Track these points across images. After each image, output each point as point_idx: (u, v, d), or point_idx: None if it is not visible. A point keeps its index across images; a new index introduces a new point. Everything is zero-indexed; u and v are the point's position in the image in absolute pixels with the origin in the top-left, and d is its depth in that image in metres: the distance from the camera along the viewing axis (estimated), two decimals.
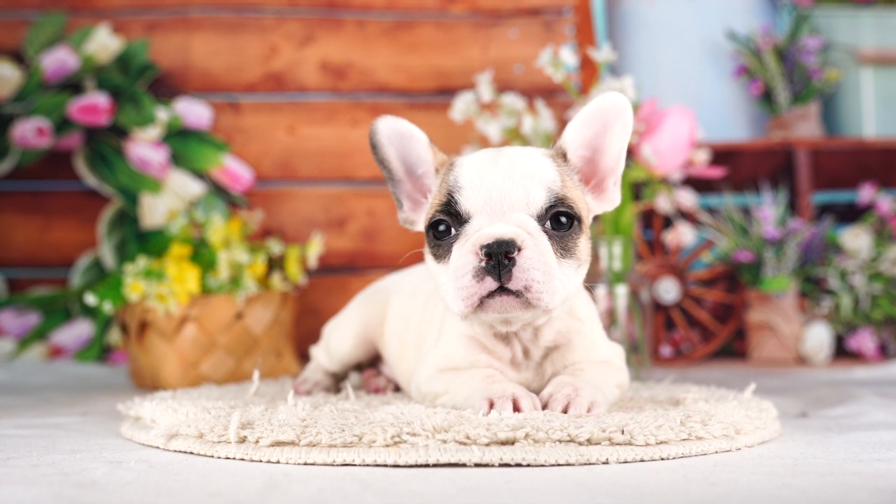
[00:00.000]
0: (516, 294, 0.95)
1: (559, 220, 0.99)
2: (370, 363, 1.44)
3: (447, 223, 1.00)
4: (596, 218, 2.17)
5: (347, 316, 1.41)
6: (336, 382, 1.43)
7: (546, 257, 0.96)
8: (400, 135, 1.07)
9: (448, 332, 1.11)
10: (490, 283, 0.94)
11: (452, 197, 0.99)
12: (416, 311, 1.27)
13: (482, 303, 0.95)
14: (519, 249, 0.94)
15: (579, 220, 1.01)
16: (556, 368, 1.09)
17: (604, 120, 1.06)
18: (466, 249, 0.96)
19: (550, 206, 0.99)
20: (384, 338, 1.36)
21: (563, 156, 1.06)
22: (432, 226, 1.00)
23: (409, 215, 1.10)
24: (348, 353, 1.38)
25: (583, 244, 1.03)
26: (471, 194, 0.99)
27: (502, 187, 0.98)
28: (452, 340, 1.10)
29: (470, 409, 0.99)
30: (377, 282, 1.47)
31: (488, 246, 0.94)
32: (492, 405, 0.97)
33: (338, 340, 1.40)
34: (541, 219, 0.99)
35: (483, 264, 0.94)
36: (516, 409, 0.97)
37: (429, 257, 1.04)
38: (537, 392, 1.07)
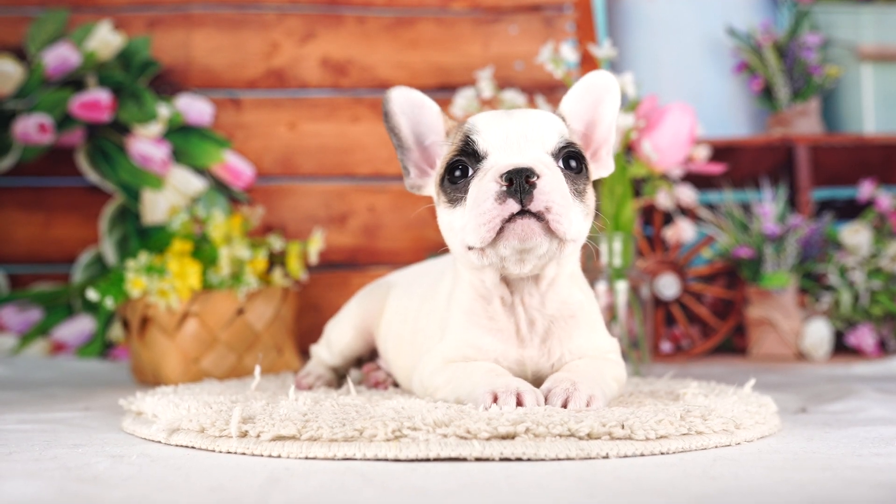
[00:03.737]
0: (537, 216, 0.96)
1: (570, 163, 1.04)
2: (370, 357, 1.45)
3: (464, 164, 1.02)
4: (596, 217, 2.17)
5: (347, 310, 1.43)
6: (338, 377, 1.44)
7: (563, 186, 0.99)
8: (412, 104, 1.10)
9: (454, 314, 1.11)
10: (512, 205, 0.96)
11: (469, 138, 1.02)
12: (414, 307, 1.27)
13: (503, 229, 0.97)
14: (538, 176, 0.97)
15: (587, 167, 1.06)
16: (563, 350, 1.10)
17: (595, 95, 1.12)
18: (487, 179, 0.98)
19: (563, 146, 1.03)
20: (381, 333, 1.37)
21: (564, 120, 1.10)
22: (448, 170, 1.02)
23: (416, 181, 1.13)
24: (348, 345, 1.40)
25: (590, 193, 1.07)
26: (487, 135, 1.02)
27: (518, 128, 1.02)
28: (458, 322, 1.11)
29: (472, 403, 1.00)
30: (379, 279, 1.48)
31: (509, 172, 0.96)
32: (495, 399, 0.97)
33: (338, 334, 1.41)
34: (554, 156, 1.03)
35: (504, 189, 0.96)
36: (519, 403, 0.97)
37: (443, 209, 1.05)
38: (543, 374, 1.09)
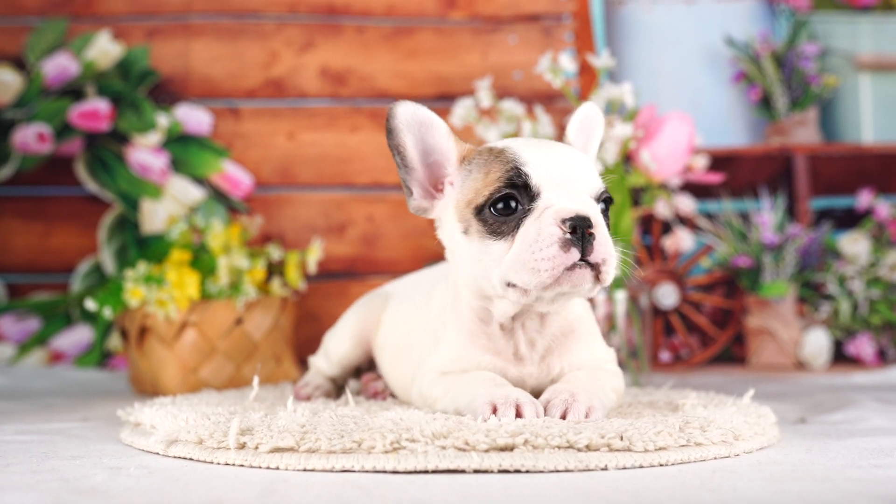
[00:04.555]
0: (592, 267, 0.97)
1: (603, 206, 1.05)
2: (369, 367, 1.44)
3: (514, 198, 0.99)
4: None
5: (345, 320, 1.43)
6: (336, 387, 1.44)
7: (608, 234, 1.01)
8: (419, 122, 1.06)
9: (450, 332, 1.11)
10: (575, 255, 0.96)
11: (521, 170, 0.99)
12: (409, 318, 1.27)
13: (560, 274, 0.97)
14: (594, 226, 0.98)
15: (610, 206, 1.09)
16: (563, 364, 1.11)
17: (589, 128, 1.15)
18: (548, 222, 0.97)
19: (603, 191, 1.04)
20: (377, 343, 1.37)
21: None
22: (494, 202, 1.00)
23: (421, 202, 1.08)
24: (346, 355, 1.40)
25: None
26: (539, 171, 1.00)
27: (567, 167, 1.01)
28: (454, 340, 1.10)
29: (471, 414, 1.00)
30: (376, 289, 1.48)
31: (572, 219, 0.96)
32: (494, 410, 0.97)
33: (336, 343, 1.41)
34: (595, 201, 1.03)
35: (568, 236, 0.96)
36: (519, 415, 0.97)
37: (475, 239, 1.01)
38: (542, 388, 1.09)
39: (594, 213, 0.99)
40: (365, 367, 1.45)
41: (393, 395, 1.37)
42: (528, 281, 0.97)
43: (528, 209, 0.99)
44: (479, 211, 1.00)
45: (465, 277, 1.06)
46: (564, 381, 1.08)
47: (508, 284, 1.00)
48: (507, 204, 0.99)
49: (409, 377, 1.22)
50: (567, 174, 1.01)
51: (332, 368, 1.42)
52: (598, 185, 1.03)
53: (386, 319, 1.36)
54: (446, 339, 1.12)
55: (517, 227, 0.99)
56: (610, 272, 0.99)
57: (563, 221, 0.96)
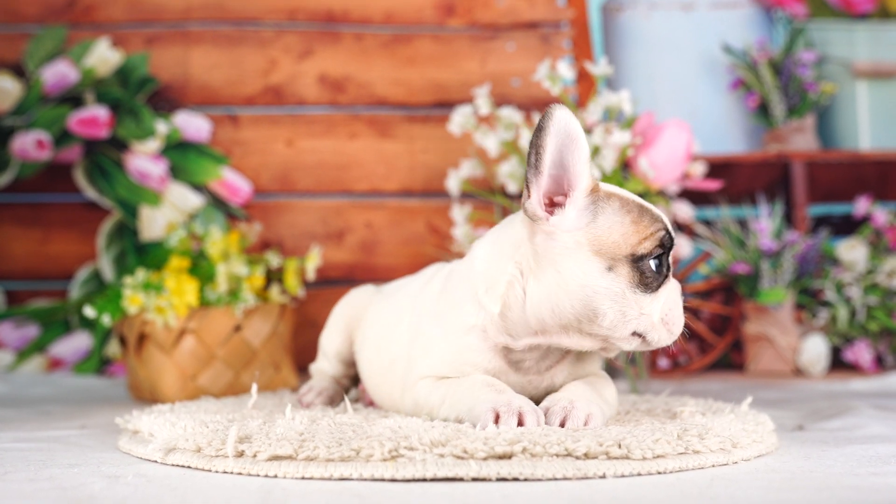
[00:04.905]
0: None
1: None
2: None
3: (663, 259, 1.06)
4: None
5: (334, 314, 1.46)
6: (342, 388, 1.44)
7: None
8: (568, 133, 1.04)
9: (443, 332, 1.11)
10: None
11: (671, 236, 1.05)
12: (392, 319, 1.26)
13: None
14: None
15: None
16: (566, 375, 1.12)
17: None
18: (676, 290, 1.08)
19: None
20: (357, 339, 1.38)
21: None
22: (655, 257, 1.05)
23: (538, 210, 1.05)
24: (339, 348, 1.42)
25: None
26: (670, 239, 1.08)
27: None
28: (450, 340, 1.10)
29: (472, 421, 0.99)
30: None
31: (682, 294, 1.09)
32: (497, 417, 0.97)
33: (327, 338, 1.43)
34: None
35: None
36: (520, 423, 0.97)
37: (621, 284, 1.03)
38: (541, 395, 1.09)
39: None
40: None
41: None
42: (662, 339, 1.06)
43: (668, 275, 1.06)
44: (636, 260, 1.03)
45: (569, 301, 1.04)
46: (564, 389, 1.08)
47: (634, 334, 1.05)
48: (660, 262, 1.05)
49: (390, 385, 1.22)
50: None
51: (331, 366, 1.43)
52: None
53: (368, 319, 1.36)
54: (438, 340, 1.11)
55: (660, 286, 1.05)
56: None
57: (681, 294, 1.09)
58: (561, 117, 1.02)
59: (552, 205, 1.05)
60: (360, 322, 1.39)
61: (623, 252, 1.03)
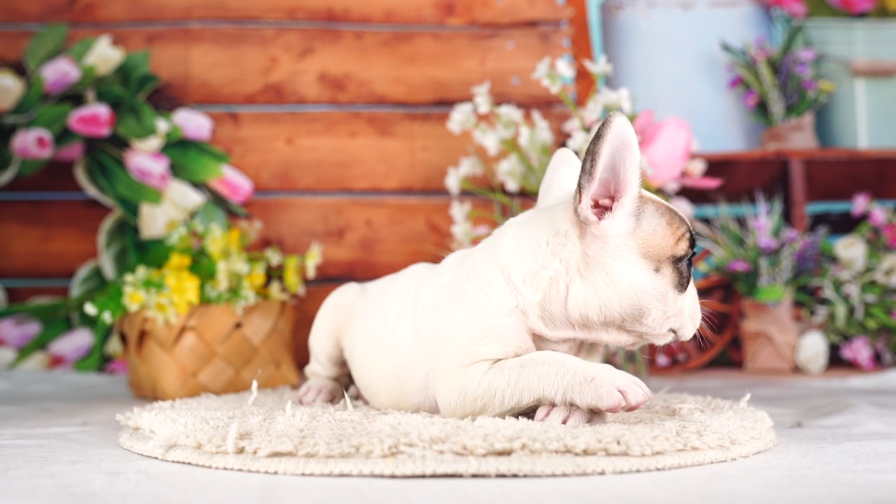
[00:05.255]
0: None
1: None
2: None
3: (691, 258, 1.11)
4: None
5: (319, 315, 1.43)
6: (339, 386, 1.44)
7: None
8: (622, 141, 1.05)
9: (491, 312, 1.08)
10: None
11: (693, 237, 1.11)
12: (403, 322, 1.21)
13: None
14: None
15: None
16: None
17: None
18: (693, 284, 1.14)
19: None
20: (347, 337, 1.36)
21: None
22: (689, 258, 1.11)
23: (590, 215, 1.07)
24: (330, 351, 1.40)
25: None
26: None
27: None
28: (497, 321, 1.08)
29: (578, 400, 0.98)
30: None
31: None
32: (623, 394, 0.98)
33: (316, 342, 1.42)
34: None
35: None
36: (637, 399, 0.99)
37: (663, 284, 1.08)
38: None
39: None
40: None
41: None
42: (689, 332, 1.13)
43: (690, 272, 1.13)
44: (676, 261, 1.09)
45: (617, 301, 1.07)
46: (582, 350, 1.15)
47: (670, 329, 1.11)
48: (689, 261, 1.11)
49: (397, 390, 1.19)
50: None
51: (325, 369, 1.43)
52: None
53: (356, 323, 1.33)
54: (470, 322, 1.08)
55: (688, 283, 1.11)
56: None
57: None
58: (619, 124, 1.04)
59: (597, 206, 1.08)
60: (347, 325, 1.37)
61: (665, 254, 1.08)
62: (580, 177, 1.06)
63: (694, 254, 1.11)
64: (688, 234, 1.10)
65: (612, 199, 1.08)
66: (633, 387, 0.99)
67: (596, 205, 1.08)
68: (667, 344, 1.14)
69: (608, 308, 1.07)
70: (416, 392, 1.18)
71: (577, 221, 1.08)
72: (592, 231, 1.07)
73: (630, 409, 0.98)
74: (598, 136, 1.04)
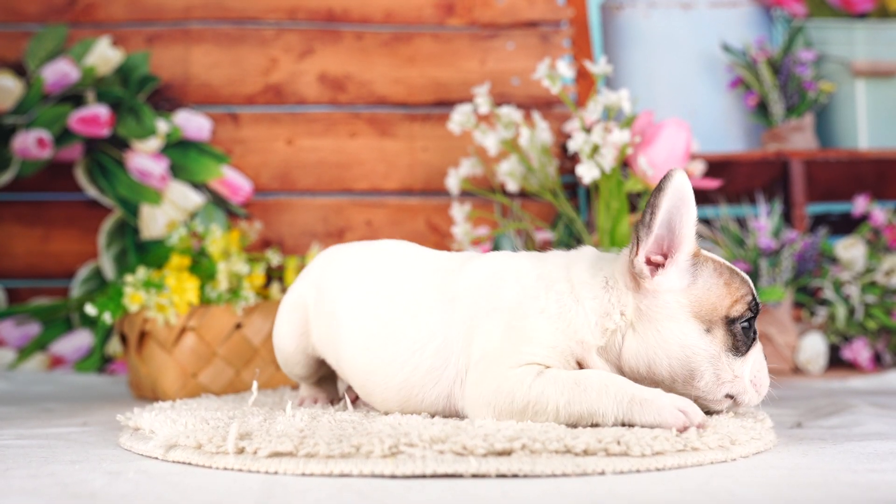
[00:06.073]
0: None
1: None
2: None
3: (752, 322, 1.08)
4: (592, 229, 2.17)
5: (282, 334, 1.30)
6: (333, 386, 1.39)
7: None
8: (682, 198, 1.06)
9: (552, 327, 1.06)
10: None
11: (757, 302, 1.09)
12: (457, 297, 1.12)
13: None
14: None
15: None
16: None
17: None
18: (759, 350, 1.11)
19: None
20: (329, 349, 1.23)
21: None
22: (745, 320, 1.08)
23: (644, 268, 1.07)
24: (298, 364, 1.29)
25: None
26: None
27: None
28: (556, 338, 1.06)
29: (649, 422, 0.97)
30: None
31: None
32: (686, 417, 0.97)
33: (279, 353, 1.31)
34: None
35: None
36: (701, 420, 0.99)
37: (715, 346, 1.06)
38: None
39: None
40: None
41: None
42: (752, 400, 1.09)
43: (754, 341, 1.09)
44: (729, 322, 1.06)
45: (666, 360, 1.06)
46: None
47: (727, 395, 1.08)
48: (749, 325, 1.08)
49: (408, 386, 1.11)
50: None
51: (301, 379, 1.35)
52: None
53: (349, 306, 1.19)
54: (532, 323, 1.06)
55: (749, 349, 1.08)
56: None
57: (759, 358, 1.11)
58: (680, 180, 1.05)
59: (649, 262, 1.08)
60: (310, 328, 1.26)
61: (719, 315, 1.06)
62: (639, 229, 1.06)
63: (753, 317, 1.08)
64: (747, 297, 1.07)
65: (665, 255, 1.07)
66: (693, 407, 0.99)
67: (648, 261, 1.07)
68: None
69: (656, 366, 1.06)
70: (437, 399, 1.10)
71: (632, 274, 1.07)
72: (646, 286, 1.07)
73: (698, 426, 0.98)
74: (658, 190, 1.05)
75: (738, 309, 1.06)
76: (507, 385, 1.01)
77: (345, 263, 1.25)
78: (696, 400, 1.06)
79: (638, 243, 1.06)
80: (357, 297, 1.18)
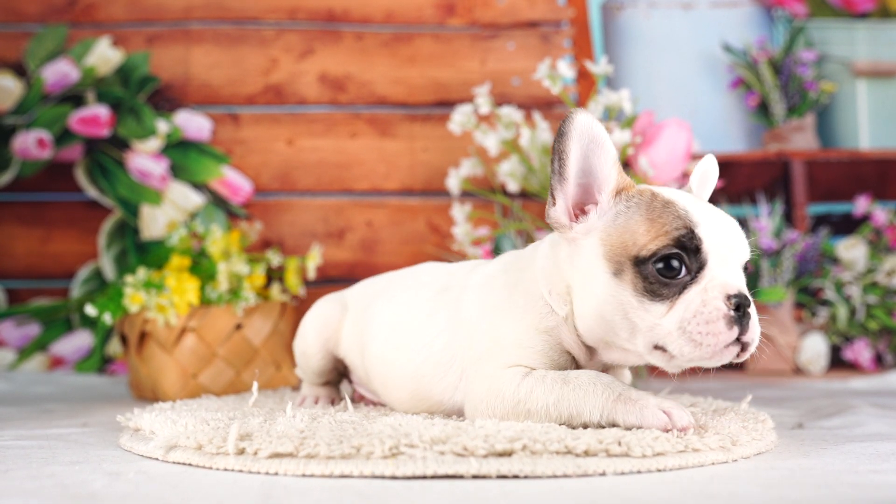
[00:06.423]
0: (743, 346, 0.95)
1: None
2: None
3: (682, 261, 0.94)
4: None
5: (306, 333, 1.36)
6: (336, 388, 1.41)
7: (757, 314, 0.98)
8: (592, 137, 0.99)
9: (510, 320, 1.05)
10: (735, 333, 0.94)
11: (693, 232, 0.94)
12: (441, 310, 1.16)
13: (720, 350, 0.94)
14: (751, 303, 0.96)
15: None
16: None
17: (708, 181, 1.14)
18: (713, 295, 0.93)
19: (748, 260, 1.02)
20: (343, 347, 1.32)
21: None
22: (660, 259, 0.94)
23: (562, 218, 1.01)
24: (324, 367, 1.35)
25: None
26: (710, 234, 0.95)
27: (730, 235, 0.98)
28: (518, 323, 1.04)
29: (634, 423, 0.94)
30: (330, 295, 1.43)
31: (737, 297, 0.94)
32: (669, 417, 0.94)
33: (312, 360, 1.35)
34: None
35: (732, 313, 0.93)
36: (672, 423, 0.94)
37: (628, 291, 0.95)
38: None
39: (746, 289, 0.97)
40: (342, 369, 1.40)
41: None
42: (687, 352, 0.93)
43: (694, 277, 0.94)
44: (639, 262, 0.94)
45: (592, 314, 0.99)
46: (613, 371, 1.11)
47: (656, 347, 0.96)
48: (670, 265, 0.94)
49: (417, 378, 1.15)
50: (731, 241, 0.97)
51: (314, 378, 1.39)
52: (748, 254, 1.00)
53: (375, 318, 1.26)
54: (506, 327, 1.04)
55: (679, 293, 0.94)
56: (753, 351, 0.96)
57: (728, 297, 0.93)
58: (581, 121, 0.98)
59: (578, 213, 1.02)
60: (338, 336, 1.33)
61: (628, 254, 0.96)
62: (551, 179, 1.00)
63: (679, 255, 0.93)
64: (676, 232, 0.94)
65: (597, 203, 1.01)
66: (679, 410, 0.94)
67: (577, 213, 1.02)
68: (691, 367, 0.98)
69: (589, 322, 1.00)
70: (444, 391, 1.12)
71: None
72: (567, 237, 1.01)
73: (681, 430, 0.94)
74: (561, 134, 0.98)
75: (653, 246, 0.94)
76: (497, 385, 1.02)
77: (373, 280, 1.37)
78: (641, 358, 0.99)
79: (553, 194, 1.00)
80: (383, 303, 1.26)
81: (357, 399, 1.38)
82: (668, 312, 0.94)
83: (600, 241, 0.99)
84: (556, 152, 1.00)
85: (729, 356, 0.95)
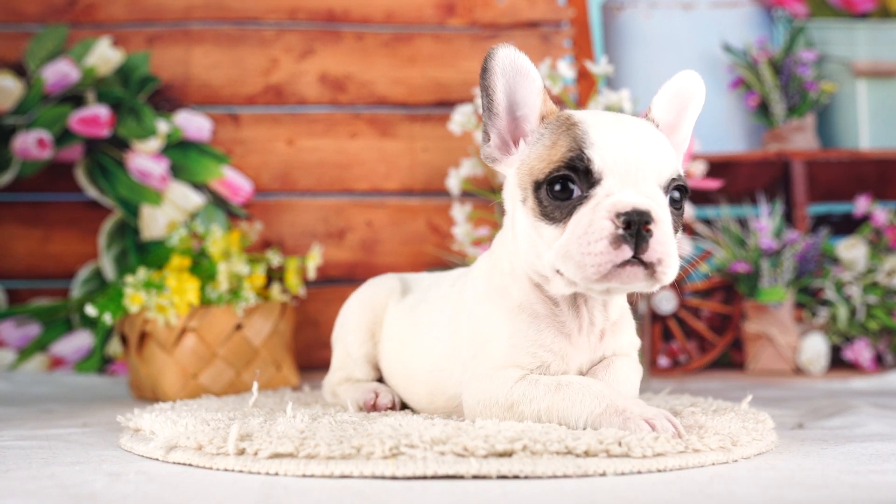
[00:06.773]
0: (646, 266, 0.91)
1: (674, 196, 0.97)
2: None
3: (573, 182, 0.92)
4: None
5: (352, 316, 1.32)
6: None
7: (671, 230, 0.93)
8: (516, 69, 0.99)
9: (501, 317, 1.04)
10: (626, 252, 0.90)
11: (583, 153, 0.92)
12: (430, 317, 1.18)
13: (609, 271, 0.91)
14: (654, 222, 0.91)
15: (687, 196, 1.00)
16: (613, 347, 1.07)
17: (683, 99, 1.08)
18: (601, 215, 0.91)
19: (673, 178, 0.96)
20: (384, 337, 1.30)
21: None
22: (551, 182, 0.93)
23: (495, 152, 1.01)
24: (368, 351, 1.30)
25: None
26: (604, 154, 0.92)
27: (636, 152, 0.93)
28: (519, 328, 1.02)
29: (619, 428, 0.93)
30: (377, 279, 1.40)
31: (628, 214, 0.90)
32: (652, 427, 0.93)
33: (356, 343, 1.30)
34: (664, 190, 0.95)
35: (621, 232, 0.90)
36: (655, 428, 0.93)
37: (530, 216, 0.96)
38: (584, 369, 1.06)
39: (657, 206, 0.92)
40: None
41: (404, 406, 1.28)
42: (574, 274, 0.92)
43: (586, 196, 0.92)
44: (536, 187, 0.94)
45: (520, 248, 1.00)
46: (609, 372, 1.05)
47: (557, 272, 0.95)
48: (565, 186, 0.92)
49: (431, 377, 1.15)
50: (636, 160, 0.92)
51: (362, 371, 1.31)
52: (670, 173, 0.95)
53: (405, 328, 1.26)
54: (497, 327, 1.04)
55: (570, 214, 0.92)
56: (667, 272, 0.92)
57: (618, 215, 0.90)
58: (504, 55, 0.98)
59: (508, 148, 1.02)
60: (381, 319, 1.30)
61: (531, 180, 0.96)
62: (482, 116, 1.00)
63: (568, 177, 0.91)
64: (569, 154, 0.92)
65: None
66: (663, 420, 0.93)
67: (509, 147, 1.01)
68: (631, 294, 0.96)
69: (521, 260, 1.00)
70: (457, 385, 1.11)
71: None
72: (502, 171, 1.02)
73: None
74: (485, 70, 0.98)
75: (547, 169, 0.93)
76: (492, 387, 1.03)
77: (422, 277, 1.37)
78: (585, 290, 0.95)
79: (486, 131, 1.01)
80: (400, 308, 1.27)
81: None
82: (561, 237, 0.94)
83: (516, 170, 1.00)
84: (483, 88, 1.00)
85: (632, 278, 0.92)
